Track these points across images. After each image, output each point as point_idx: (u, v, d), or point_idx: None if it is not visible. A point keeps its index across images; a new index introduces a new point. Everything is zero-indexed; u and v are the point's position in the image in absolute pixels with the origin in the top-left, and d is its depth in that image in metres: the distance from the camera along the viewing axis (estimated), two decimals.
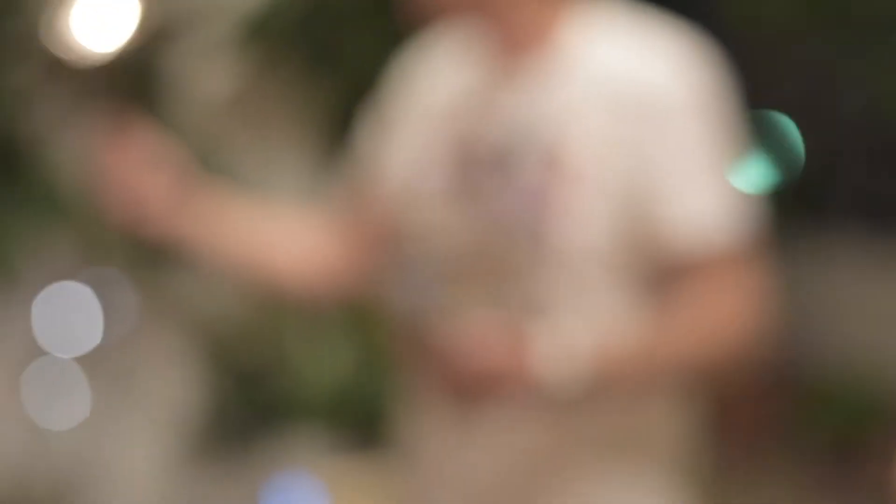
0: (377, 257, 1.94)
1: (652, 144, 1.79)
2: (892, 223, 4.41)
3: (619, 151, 1.79)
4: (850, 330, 4.24)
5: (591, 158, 1.78)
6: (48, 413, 3.31)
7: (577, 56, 1.81)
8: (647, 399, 1.80)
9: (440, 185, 1.85)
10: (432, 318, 1.79)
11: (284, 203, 1.97)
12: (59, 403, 3.31)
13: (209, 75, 3.19)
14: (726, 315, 1.77)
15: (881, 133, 4.47)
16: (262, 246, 1.92)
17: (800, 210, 4.07)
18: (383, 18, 2.93)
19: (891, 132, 4.28)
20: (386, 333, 2.22)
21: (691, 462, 1.85)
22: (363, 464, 3.10)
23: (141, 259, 3.16)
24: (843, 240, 4.49)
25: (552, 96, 1.81)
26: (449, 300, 1.81)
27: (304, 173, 3.12)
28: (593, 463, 1.79)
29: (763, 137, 4.03)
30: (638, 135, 1.79)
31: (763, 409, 4.16)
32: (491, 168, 1.82)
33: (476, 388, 1.67)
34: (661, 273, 1.78)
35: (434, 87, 1.92)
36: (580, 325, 1.74)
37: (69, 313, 3.31)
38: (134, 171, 1.76)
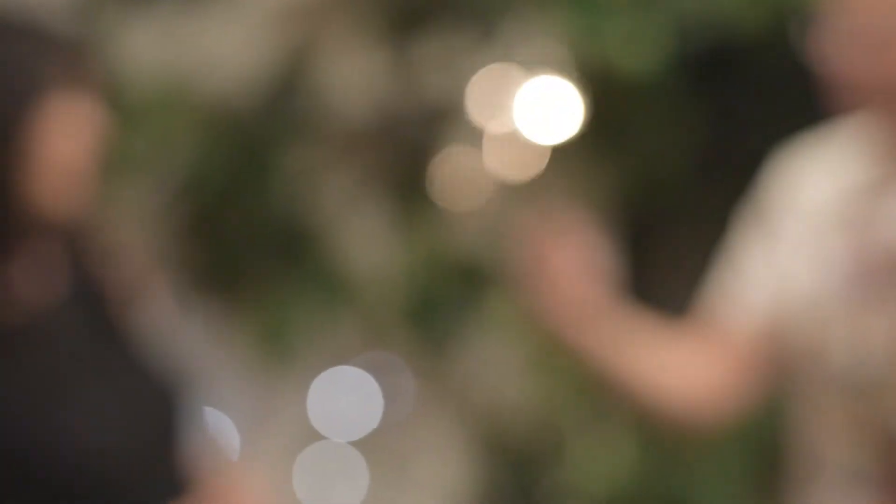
0: (761, 378, 1.83)
1: None
2: None
3: None
4: None
5: None
6: (321, 497, 3.28)
7: None
8: None
9: (842, 298, 1.74)
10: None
11: (666, 324, 1.88)
12: (333, 488, 3.28)
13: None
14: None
15: None
16: (652, 369, 1.83)
17: None
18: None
19: None
20: (675, 435, 2.15)
21: None
22: None
23: (420, 344, 3.12)
24: None
25: None
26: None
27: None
28: None
29: None
30: None
31: None
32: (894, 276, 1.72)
33: None
34: None
35: (823, 187, 1.80)
36: None
37: (346, 397, 3.28)
38: (572, 269, 1.69)
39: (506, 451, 3.18)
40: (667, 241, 3.14)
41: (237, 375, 3.19)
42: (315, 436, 3.30)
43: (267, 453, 3.21)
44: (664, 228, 3.08)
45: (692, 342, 1.85)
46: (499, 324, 3.02)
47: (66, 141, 1.55)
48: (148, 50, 2.99)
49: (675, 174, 3.06)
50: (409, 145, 3.02)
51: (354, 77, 3.02)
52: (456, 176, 3.04)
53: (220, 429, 2.17)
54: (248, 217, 3.09)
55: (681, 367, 1.83)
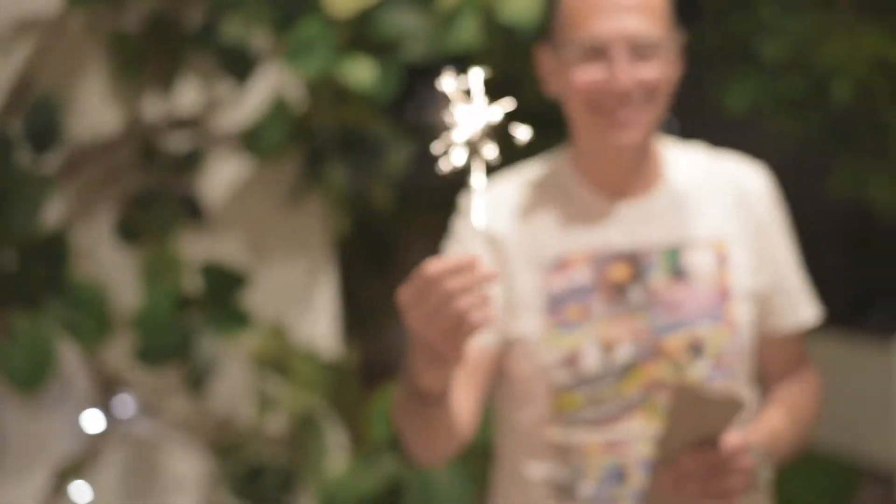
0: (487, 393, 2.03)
1: (765, 237, 2.05)
2: None
3: (749, 243, 2.03)
4: None
5: (738, 249, 2.03)
6: None
7: (681, 163, 2.07)
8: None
9: (543, 323, 1.98)
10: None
11: None
12: None
13: None
14: (814, 390, 2.12)
15: None
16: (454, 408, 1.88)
17: None
18: None
19: None
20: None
21: None
22: None
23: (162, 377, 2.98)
24: None
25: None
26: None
27: None
28: None
29: None
30: (754, 228, 2.04)
31: None
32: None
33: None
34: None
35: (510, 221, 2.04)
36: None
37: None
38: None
39: (252, 481, 3.02)
40: None
41: None
42: None
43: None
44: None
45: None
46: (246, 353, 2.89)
47: None
48: None
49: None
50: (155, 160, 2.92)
51: (90, 95, 2.93)
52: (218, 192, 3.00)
53: None
54: None
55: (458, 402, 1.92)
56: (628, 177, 2.03)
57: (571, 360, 1.97)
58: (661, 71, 1.95)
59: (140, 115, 2.85)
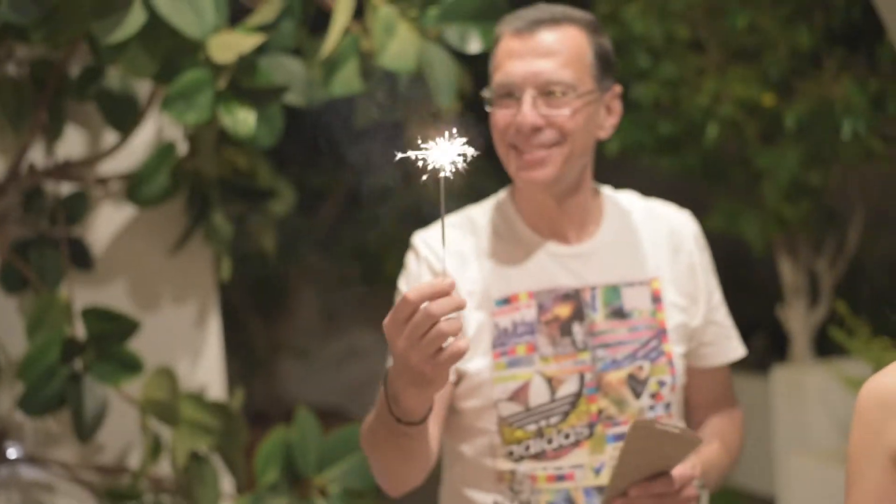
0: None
1: (696, 277, 2.17)
2: None
3: (681, 283, 2.15)
4: None
5: (670, 286, 2.14)
6: None
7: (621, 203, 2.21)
8: None
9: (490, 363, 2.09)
10: None
11: None
12: None
13: None
14: (740, 423, 2.26)
15: None
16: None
17: None
18: None
19: None
20: None
21: None
22: None
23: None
24: None
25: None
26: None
27: None
28: None
29: None
30: (685, 268, 2.16)
31: None
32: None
33: None
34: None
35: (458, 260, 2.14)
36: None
37: None
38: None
39: None
40: None
41: None
42: None
43: None
44: None
45: None
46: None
47: None
48: None
49: None
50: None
51: None
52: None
53: None
54: None
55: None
56: (564, 219, 2.15)
57: (519, 395, 2.07)
58: (572, 113, 2.05)
59: (24, 163, 2.85)
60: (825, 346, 5.47)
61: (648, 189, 2.32)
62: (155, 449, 2.82)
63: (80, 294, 2.91)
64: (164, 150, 2.87)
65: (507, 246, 2.15)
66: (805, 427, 5.29)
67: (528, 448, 2.07)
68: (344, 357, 7.50)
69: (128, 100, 2.81)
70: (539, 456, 2.07)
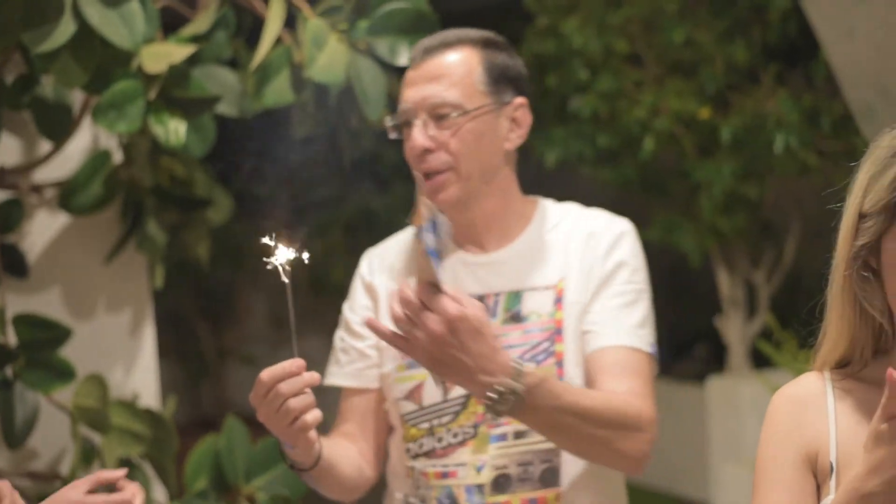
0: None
1: (601, 273, 2.16)
2: None
3: (583, 280, 2.16)
4: None
5: (573, 284, 2.17)
6: None
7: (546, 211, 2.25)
8: None
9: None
10: None
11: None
12: None
13: None
14: (629, 406, 2.07)
15: None
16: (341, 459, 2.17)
17: None
18: None
19: None
20: None
21: None
22: None
23: None
24: None
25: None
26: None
27: None
28: None
29: None
30: (589, 265, 2.16)
31: None
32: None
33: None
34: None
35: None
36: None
37: None
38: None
39: None
40: None
41: None
42: None
43: None
44: None
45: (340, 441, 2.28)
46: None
47: None
48: None
49: None
50: None
51: None
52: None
53: None
54: None
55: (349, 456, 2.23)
56: (481, 229, 2.21)
57: (414, 394, 2.19)
58: (457, 132, 2.10)
59: None
60: (762, 358, 5.55)
61: (588, 201, 2.36)
62: (86, 456, 2.83)
63: (14, 301, 2.91)
64: (98, 159, 2.89)
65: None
66: (739, 436, 5.36)
67: (421, 446, 2.18)
68: None
69: (62, 108, 2.82)
70: (430, 454, 2.17)
